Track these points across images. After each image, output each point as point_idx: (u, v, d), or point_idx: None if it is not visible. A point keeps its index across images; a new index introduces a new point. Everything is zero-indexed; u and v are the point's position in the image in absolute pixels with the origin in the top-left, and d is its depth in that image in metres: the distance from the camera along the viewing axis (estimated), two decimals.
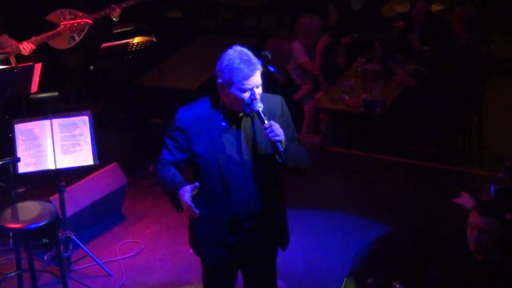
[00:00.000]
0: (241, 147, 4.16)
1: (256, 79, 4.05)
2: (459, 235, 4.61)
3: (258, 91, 4.07)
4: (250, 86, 4.03)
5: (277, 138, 3.99)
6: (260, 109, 4.02)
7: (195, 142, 4.15)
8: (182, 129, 4.15)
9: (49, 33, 7.09)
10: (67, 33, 7.14)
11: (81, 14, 7.40)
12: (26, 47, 6.89)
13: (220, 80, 4.06)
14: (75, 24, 7.06)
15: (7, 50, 6.86)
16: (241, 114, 4.15)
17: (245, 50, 4.08)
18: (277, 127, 4.01)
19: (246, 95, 4.04)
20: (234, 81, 4.01)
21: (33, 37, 6.99)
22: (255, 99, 4.05)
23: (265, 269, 4.57)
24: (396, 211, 6.80)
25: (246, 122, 4.17)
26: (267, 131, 3.99)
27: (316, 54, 8.30)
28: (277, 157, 4.02)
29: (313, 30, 8.20)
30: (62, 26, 7.04)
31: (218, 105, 4.14)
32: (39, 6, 7.49)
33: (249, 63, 4.01)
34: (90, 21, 7.11)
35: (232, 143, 4.16)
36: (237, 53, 4.04)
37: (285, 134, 4.07)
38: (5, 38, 6.99)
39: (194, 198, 4.00)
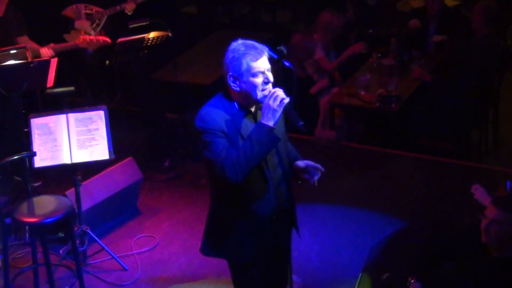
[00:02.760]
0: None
1: (265, 62, 4.09)
2: (474, 231, 4.60)
3: (270, 74, 4.10)
4: (261, 69, 4.07)
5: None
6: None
7: (232, 142, 4.11)
8: (222, 130, 4.08)
9: (69, 44, 7.12)
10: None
11: (96, 8, 7.42)
12: (46, 54, 6.93)
13: (231, 73, 4.08)
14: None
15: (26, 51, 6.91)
16: (253, 108, 4.19)
17: (246, 40, 4.13)
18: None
19: (259, 80, 4.07)
20: (245, 68, 4.04)
21: (52, 44, 7.02)
22: (269, 81, 4.09)
23: (286, 257, 4.59)
24: (411, 207, 6.78)
25: (256, 114, 4.22)
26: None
27: (341, 56, 8.22)
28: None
29: (332, 27, 8.15)
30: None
31: (232, 102, 4.15)
32: (55, 1, 7.51)
33: (254, 47, 4.07)
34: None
35: None
36: (240, 43, 4.09)
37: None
38: (25, 39, 7.02)
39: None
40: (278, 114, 4.06)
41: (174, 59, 8.23)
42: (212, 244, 4.39)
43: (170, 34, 7.47)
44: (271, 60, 4.27)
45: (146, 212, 6.91)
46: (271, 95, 4.06)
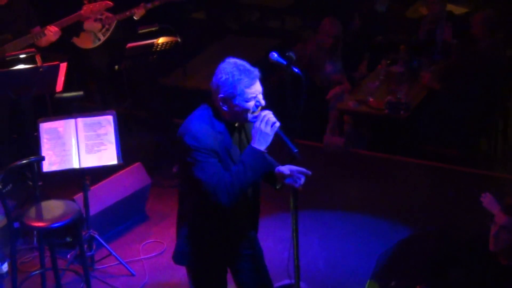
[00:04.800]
0: None
1: (258, 86, 4.07)
2: (482, 238, 4.60)
3: (261, 98, 4.09)
4: (254, 95, 4.04)
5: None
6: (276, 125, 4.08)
7: (222, 161, 4.11)
8: (214, 150, 4.06)
9: (72, 16, 7.10)
10: (89, 15, 7.15)
11: (106, 13, 7.43)
12: (51, 31, 6.92)
13: (221, 95, 4.04)
14: (97, 5, 7.08)
15: (31, 35, 6.91)
16: (236, 124, 4.18)
17: (238, 60, 4.08)
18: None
19: (251, 104, 4.05)
20: (238, 92, 4.01)
21: (56, 22, 7.01)
22: (260, 105, 4.08)
23: (262, 265, 4.68)
24: (419, 214, 6.77)
25: (243, 129, 4.24)
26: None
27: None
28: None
29: (330, 34, 8.17)
30: (84, 8, 7.06)
31: (220, 119, 4.12)
32: (66, 5, 7.52)
33: (248, 72, 4.03)
34: (111, 3, 7.12)
35: (238, 153, 4.20)
36: (233, 65, 4.05)
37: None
38: (37, 30, 7.03)
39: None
40: (270, 138, 4.06)
41: (183, 65, 8.24)
42: (186, 253, 4.38)
43: (179, 40, 7.48)
44: (279, 66, 4.27)
45: (154, 218, 6.91)
46: (262, 118, 4.05)
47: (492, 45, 7.55)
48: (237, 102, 4.03)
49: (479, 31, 7.59)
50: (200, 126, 4.06)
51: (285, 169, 4.26)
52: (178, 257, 4.43)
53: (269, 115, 4.06)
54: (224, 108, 4.07)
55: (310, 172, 4.26)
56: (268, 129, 4.03)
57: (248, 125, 4.26)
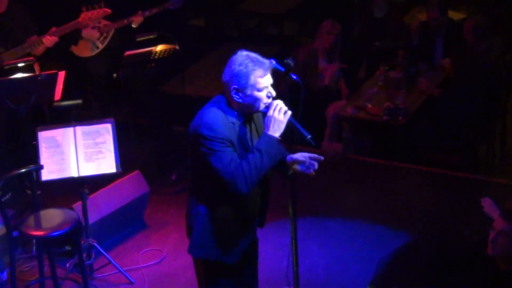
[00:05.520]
0: None
1: (269, 77, 4.21)
2: (481, 244, 4.59)
3: (272, 89, 4.22)
4: (266, 85, 4.18)
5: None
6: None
7: (236, 150, 4.24)
8: (229, 139, 4.18)
9: (70, 24, 7.10)
10: (87, 22, 7.15)
11: (104, 21, 7.44)
12: (50, 40, 6.93)
13: (235, 86, 4.16)
14: (95, 13, 7.08)
15: (28, 44, 6.91)
16: (247, 115, 4.30)
17: (250, 52, 4.22)
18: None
19: (264, 94, 4.18)
20: (251, 83, 4.14)
21: (53, 29, 7.01)
22: (272, 95, 4.21)
23: (256, 261, 4.82)
24: (418, 220, 6.77)
25: (252, 120, 4.37)
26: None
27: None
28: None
29: (330, 35, 8.20)
30: (83, 15, 7.06)
31: (232, 110, 4.24)
32: (64, 14, 7.52)
33: (261, 63, 4.17)
34: (109, 11, 7.13)
35: (250, 143, 4.32)
36: (245, 56, 4.18)
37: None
38: (34, 38, 7.03)
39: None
40: (283, 126, 4.19)
41: (181, 72, 8.25)
42: (204, 245, 4.45)
43: (177, 47, 7.49)
44: (277, 73, 4.31)
45: (153, 226, 6.91)
46: (275, 107, 4.18)
47: (486, 50, 7.54)
48: (250, 93, 4.16)
49: (471, 39, 7.59)
50: (214, 117, 4.19)
51: (299, 155, 4.41)
52: (195, 250, 4.50)
53: (281, 103, 4.20)
54: (237, 98, 4.19)
55: (322, 158, 4.40)
56: (281, 117, 4.17)
57: (257, 118, 4.41)
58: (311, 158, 4.39)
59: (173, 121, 8.33)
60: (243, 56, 4.18)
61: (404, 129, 7.41)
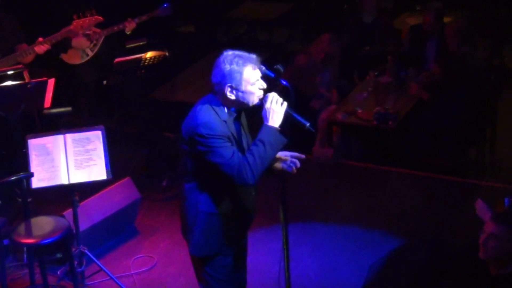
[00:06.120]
0: (248, 140, 4.50)
1: (258, 71, 4.32)
2: (473, 248, 4.60)
3: (261, 81, 4.34)
4: (258, 78, 4.31)
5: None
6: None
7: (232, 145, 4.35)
8: (227, 135, 4.28)
9: (61, 31, 7.10)
10: (79, 30, 7.15)
11: (94, 29, 7.43)
12: (42, 48, 6.93)
13: (229, 84, 4.26)
14: (87, 20, 7.08)
15: (19, 53, 6.90)
16: (238, 112, 4.40)
17: (235, 51, 4.34)
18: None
19: (256, 87, 4.30)
20: (245, 77, 4.25)
21: (41, 38, 7.00)
22: (263, 87, 4.32)
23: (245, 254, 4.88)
24: (410, 224, 6.77)
25: (241, 118, 4.47)
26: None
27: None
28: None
29: (324, 49, 8.22)
30: (74, 23, 7.06)
31: (223, 109, 4.33)
32: (54, 22, 7.51)
33: (250, 57, 4.29)
34: (101, 18, 7.13)
35: (243, 139, 4.45)
36: (233, 55, 4.29)
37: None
38: (24, 47, 7.02)
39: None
40: (281, 116, 4.31)
41: (171, 79, 8.25)
42: (207, 243, 4.50)
43: (167, 54, 7.49)
44: (267, 78, 4.34)
45: (144, 232, 6.89)
46: (271, 99, 4.29)
47: (468, 53, 7.57)
48: (244, 88, 4.27)
49: (453, 43, 7.63)
50: (209, 116, 4.29)
51: (281, 154, 4.51)
52: (199, 249, 4.55)
53: (276, 95, 4.31)
54: (231, 96, 4.29)
55: (304, 156, 4.52)
56: (278, 107, 4.29)
57: (243, 117, 4.50)
58: (292, 157, 4.51)
59: (163, 128, 8.33)
60: (231, 55, 4.29)
61: (394, 134, 7.43)
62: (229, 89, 4.26)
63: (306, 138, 7.79)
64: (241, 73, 4.23)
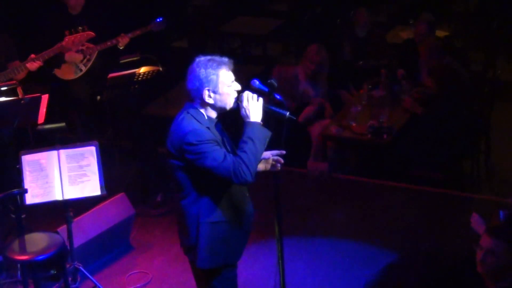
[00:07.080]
0: (232, 144, 4.52)
1: (231, 73, 4.39)
2: (468, 262, 4.59)
3: (235, 82, 4.42)
4: (232, 79, 4.38)
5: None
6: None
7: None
8: (215, 140, 4.32)
9: (54, 47, 7.10)
10: (71, 46, 7.15)
11: (87, 44, 7.43)
12: (33, 66, 6.93)
13: (207, 87, 4.32)
14: (78, 36, 7.09)
15: (11, 69, 6.89)
16: (216, 117, 4.44)
17: (207, 55, 4.40)
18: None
19: (232, 88, 4.38)
20: (221, 79, 4.32)
21: (33, 55, 7.00)
22: (238, 88, 4.40)
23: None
24: (405, 238, 6.76)
25: (218, 126, 4.48)
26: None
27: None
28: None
29: (316, 60, 8.20)
30: (66, 39, 7.06)
31: (203, 116, 4.39)
32: (47, 38, 7.51)
33: (222, 61, 4.36)
34: (93, 34, 7.14)
35: (227, 144, 4.47)
36: (207, 60, 4.35)
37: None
38: (16, 64, 7.02)
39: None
40: (260, 110, 4.35)
41: (165, 94, 8.24)
42: (214, 254, 4.49)
43: (161, 69, 7.49)
44: (261, 93, 4.34)
45: (139, 248, 6.87)
46: (246, 97, 4.34)
47: (457, 64, 7.63)
48: (222, 90, 4.33)
49: (432, 61, 7.71)
50: (193, 124, 4.33)
51: (264, 154, 4.52)
52: (207, 261, 4.53)
53: (249, 93, 4.36)
54: (209, 100, 4.35)
55: (284, 152, 4.56)
56: (255, 103, 4.33)
57: (220, 125, 4.50)
58: (273, 155, 4.58)
59: (157, 143, 8.31)
60: (203, 60, 4.36)
61: (388, 147, 7.43)
62: (207, 92, 4.32)
63: (300, 152, 7.80)
64: (217, 75, 4.30)
